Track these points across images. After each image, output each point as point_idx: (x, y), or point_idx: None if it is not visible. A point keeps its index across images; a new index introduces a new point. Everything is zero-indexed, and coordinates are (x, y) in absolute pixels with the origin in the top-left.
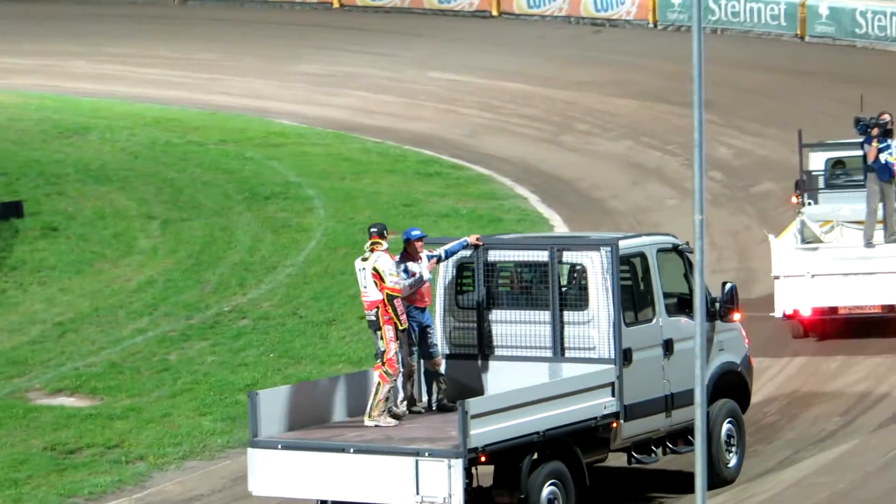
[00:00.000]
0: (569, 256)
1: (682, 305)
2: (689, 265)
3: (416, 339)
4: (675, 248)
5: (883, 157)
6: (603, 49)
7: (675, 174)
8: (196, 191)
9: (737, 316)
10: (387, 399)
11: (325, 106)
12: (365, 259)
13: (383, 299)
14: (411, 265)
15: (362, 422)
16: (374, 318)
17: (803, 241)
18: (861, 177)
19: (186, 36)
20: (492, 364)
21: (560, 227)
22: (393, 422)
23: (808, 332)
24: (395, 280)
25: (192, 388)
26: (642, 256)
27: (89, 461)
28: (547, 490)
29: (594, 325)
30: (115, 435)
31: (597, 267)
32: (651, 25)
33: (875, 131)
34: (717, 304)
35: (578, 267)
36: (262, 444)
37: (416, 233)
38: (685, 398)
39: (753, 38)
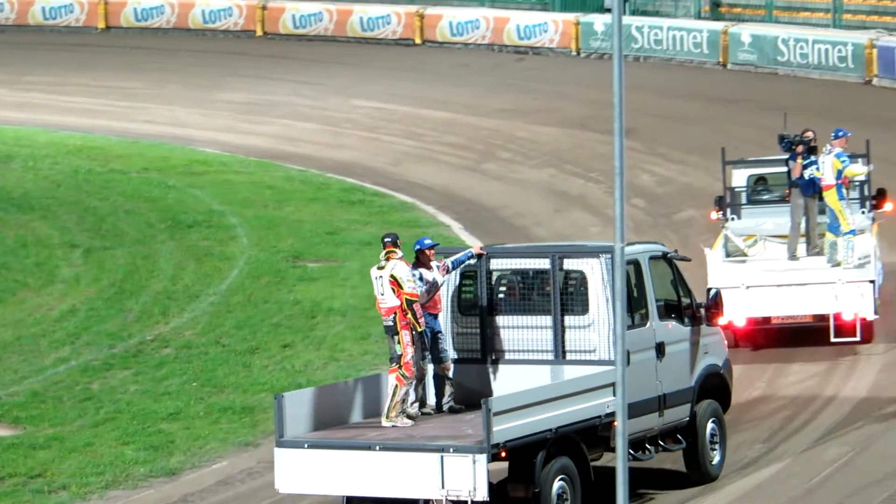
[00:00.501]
0: (569, 264)
1: (669, 310)
2: (676, 272)
3: (428, 343)
4: (664, 256)
5: (807, 172)
6: (526, 77)
7: (598, 201)
8: (118, 219)
9: (721, 320)
10: (403, 401)
11: (248, 134)
12: (381, 268)
13: (401, 305)
14: (425, 272)
15: (379, 423)
16: (391, 323)
17: (727, 255)
18: (782, 192)
19: (109, 64)
20: (495, 367)
21: None
22: (409, 422)
23: (740, 343)
24: (413, 286)
25: (115, 417)
26: (636, 264)
27: (11, 491)
28: (557, 485)
29: (594, 329)
30: (38, 464)
31: (596, 273)
32: (574, 53)
33: (800, 148)
34: (703, 310)
35: (578, 274)
36: (288, 444)
37: (428, 241)
38: (676, 398)
39: (676, 66)
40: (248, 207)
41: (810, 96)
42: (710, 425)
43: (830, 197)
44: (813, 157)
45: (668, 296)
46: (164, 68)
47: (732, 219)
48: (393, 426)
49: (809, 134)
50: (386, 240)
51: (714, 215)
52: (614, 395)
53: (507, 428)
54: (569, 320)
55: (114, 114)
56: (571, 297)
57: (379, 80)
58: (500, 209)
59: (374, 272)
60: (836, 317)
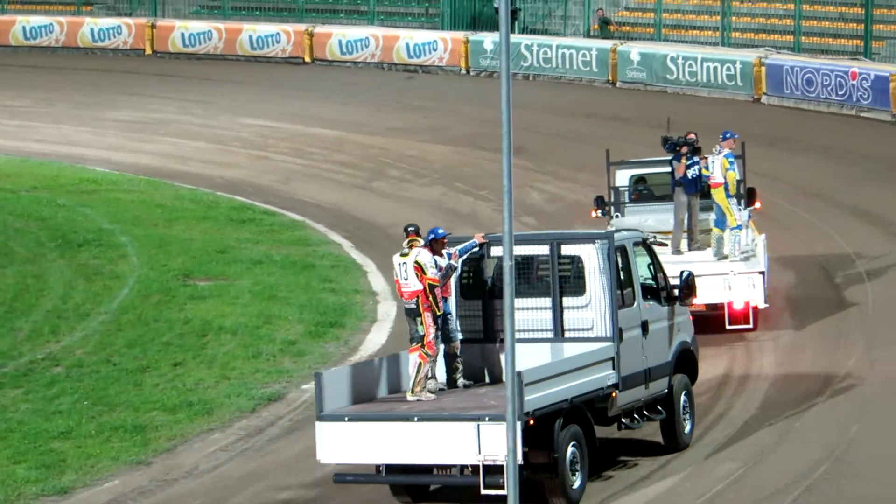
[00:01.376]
0: (567, 249)
1: (649, 292)
2: (653, 256)
3: (439, 324)
4: (644, 242)
5: (690, 172)
6: (416, 95)
7: (489, 219)
8: (8, 238)
9: (695, 300)
10: (427, 377)
11: (137, 153)
12: (405, 255)
13: (424, 289)
14: (439, 259)
15: (404, 397)
16: (413, 305)
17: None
18: (661, 191)
19: None
20: (498, 346)
21: (374, 274)
22: (432, 396)
23: None
24: (434, 272)
25: (6, 437)
26: (622, 249)
27: None
28: (570, 451)
29: (591, 309)
30: None
31: (592, 257)
32: (463, 72)
33: (685, 149)
34: (676, 291)
35: (575, 258)
36: (328, 418)
37: (441, 231)
38: (658, 372)
39: (565, 84)
40: (138, 226)
41: (699, 114)
42: (682, 397)
43: (718, 195)
44: (696, 158)
45: (647, 278)
46: (54, 87)
47: (617, 216)
48: (418, 400)
49: (692, 136)
50: (409, 229)
51: (594, 213)
52: (613, 368)
53: (535, 398)
54: (567, 301)
55: (2, 132)
56: (569, 279)
57: (268, 99)
58: (390, 227)
59: (396, 259)
60: (729, 306)
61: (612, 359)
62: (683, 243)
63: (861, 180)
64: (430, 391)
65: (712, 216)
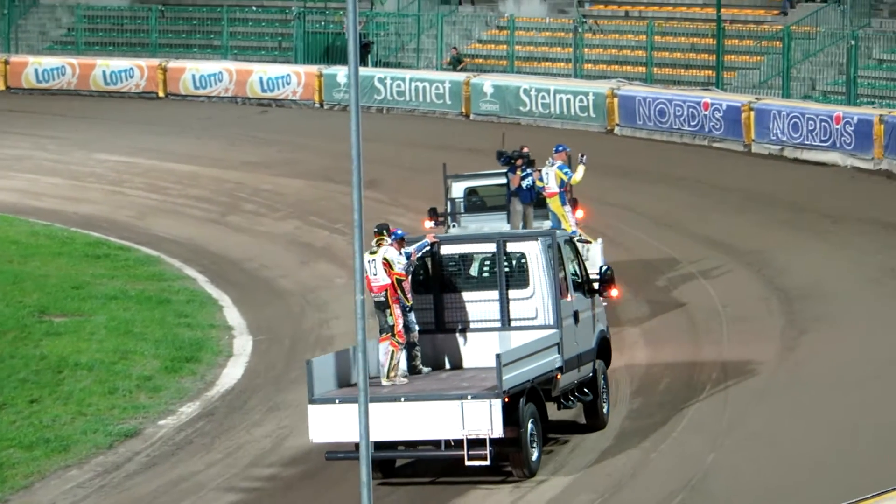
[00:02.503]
0: (512, 246)
1: (576, 285)
2: (577, 253)
3: None
4: (570, 240)
5: (525, 182)
6: (270, 129)
7: (343, 253)
8: None
9: (614, 292)
10: (399, 363)
11: None
12: (373, 252)
13: (392, 283)
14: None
15: (378, 382)
16: (383, 298)
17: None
18: (492, 202)
19: None
20: (448, 336)
21: (230, 308)
22: (405, 380)
23: None
24: (401, 267)
25: None
26: (558, 246)
27: None
28: (530, 427)
29: (535, 299)
30: None
31: (535, 253)
32: (317, 105)
33: (520, 162)
34: (597, 284)
35: (520, 254)
36: (319, 401)
37: (400, 232)
38: (586, 357)
39: (419, 117)
40: None
41: (553, 145)
42: (602, 381)
43: (554, 203)
44: (529, 170)
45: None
46: None
47: (454, 226)
48: (392, 384)
49: (526, 149)
50: (375, 230)
51: (427, 224)
52: (558, 352)
53: (509, 377)
54: (512, 293)
55: None
56: (514, 273)
57: (123, 134)
58: (245, 261)
59: (366, 256)
60: None
61: (557, 344)
62: None
63: (714, 210)
64: (402, 376)
65: (548, 223)
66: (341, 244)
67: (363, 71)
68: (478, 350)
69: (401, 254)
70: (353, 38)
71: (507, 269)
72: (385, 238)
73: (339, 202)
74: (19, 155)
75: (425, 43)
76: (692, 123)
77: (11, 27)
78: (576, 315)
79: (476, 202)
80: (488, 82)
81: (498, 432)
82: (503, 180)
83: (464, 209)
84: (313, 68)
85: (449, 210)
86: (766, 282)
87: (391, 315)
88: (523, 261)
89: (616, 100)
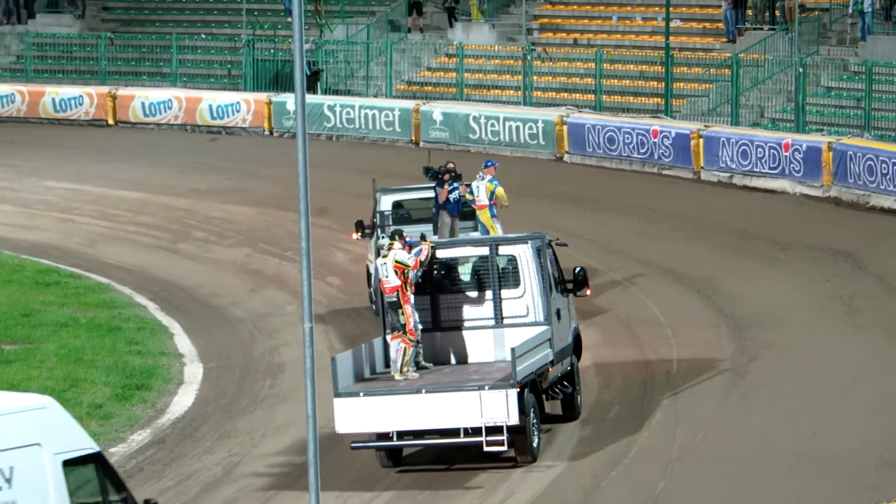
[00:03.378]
0: (503, 250)
1: (554, 285)
2: (555, 255)
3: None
4: (550, 243)
5: (452, 196)
6: (220, 157)
7: (293, 280)
8: None
9: (588, 292)
10: (412, 359)
11: None
12: (384, 256)
13: (402, 284)
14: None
15: (392, 377)
16: (394, 299)
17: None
18: (418, 214)
19: None
20: (445, 334)
21: (180, 336)
22: (416, 375)
23: None
24: (414, 261)
25: None
26: (545, 248)
27: None
28: (532, 415)
29: (526, 298)
30: None
31: (526, 255)
32: (267, 133)
33: (447, 176)
34: (572, 284)
35: (511, 257)
36: (345, 394)
37: (409, 239)
38: (565, 352)
39: (369, 145)
40: None
41: (503, 173)
42: (576, 375)
43: (484, 215)
44: (456, 184)
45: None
46: None
47: (383, 237)
48: (405, 378)
49: (452, 164)
50: (388, 235)
51: (354, 236)
52: (550, 347)
53: (521, 369)
54: (505, 293)
55: None
56: (506, 275)
57: (72, 162)
58: (195, 289)
59: (378, 260)
60: None
61: (549, 339)
62: None
63: (663, 237)
64: (413, 371)
65: (476, 234)
66: (291, 271)
67: (312, 98)
68: (474, 346)
69: (410, 254)
70: (299, 65)
71: (499, 271)
72: (395, 243)
73: (289, 229)
74: None
75: (374, 70)
76: (641, 151)
77: None
78: (558, 312)
79: (403, 214)
80: (438, 110)
81: (514, 419)
82: (428, 194)
83: (391, 221)
84: (263, 96)
85: (378, 222)
86: (715, 309)
87: (403, 314)
88: (514, 262)
89: (565, 127)
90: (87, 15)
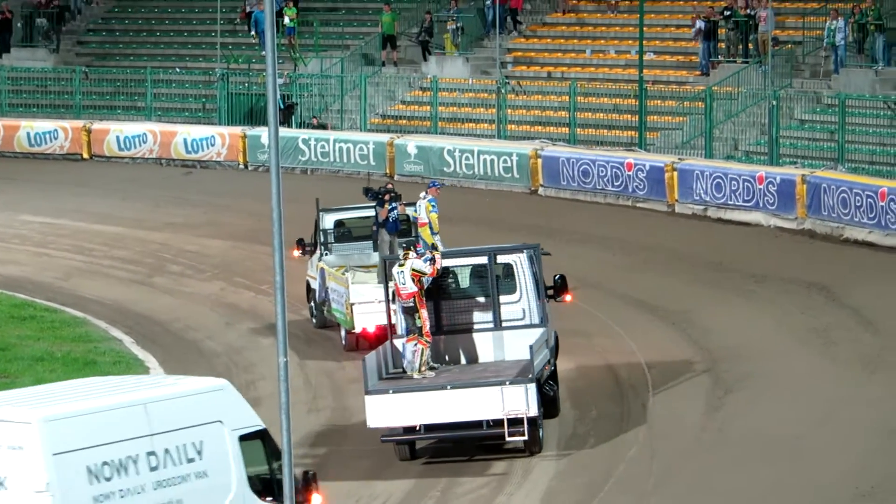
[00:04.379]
0: (501, 258)
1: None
2: (540, 264)
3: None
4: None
5: (392, 215)
6: (194, 190)
7: (269, 314)
8: None
9: (568, 297)
10: (428, 359)
11: None
12: (401, 265)
13: (418, 291)
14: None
15: (409, 376)
16: (411, 304)
17: (322, 283)
18: (358, 232)
19: None
20: (448, 337)
21: (156, 370)
22: (432, 374)
23: (358, 344)
24: (430, 268)
25: None
26: (532, 257)
27: None
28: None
29: (522, 302)
30: None
31: (522, 263)
32: (241, 166)
33: (387, 197)
34: (552, 291)
35: (508, 265)
36: (375, 392)
37: (421, 249)
38: (552, 352)
39: (343, 178)
40: None
41: (478, 206)
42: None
43: (424, 232)
44: (395, 204)
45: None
46: None
47: (326, 254)
48: (423, 377)
49: (391, 185)
50: (403, 244)
51: (296, 253)
52: (548, 346)
53: (535, 365)
54: (503, 298)
55: None
56: (503, 281)
57: (47, 196)
58: (171, 323)
59: (395, 269)
60: None
61: (547, 340)
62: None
63: (638, 270)
64: (428, 370)
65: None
66: (266, 305)
67: (287, 132)
68: (475, 348)
69: (424, 261)
70: (272, 98)
71: (497, 278)
72: (410, 252)
73: (264, 263)
74: None
75: (349, 104)
76: (616, 184)
77: None
78: (546, 316)
79: (343, 232)
80: (412, 143)
81: (534, 412)
82: (368, 213)
83: (333, 239)
84: (237, 129)
85: (322, 240)
86: (691, 341)
87: (419, 318)
88: (510, 270)
89: (540, 160)
90: (61, 49)
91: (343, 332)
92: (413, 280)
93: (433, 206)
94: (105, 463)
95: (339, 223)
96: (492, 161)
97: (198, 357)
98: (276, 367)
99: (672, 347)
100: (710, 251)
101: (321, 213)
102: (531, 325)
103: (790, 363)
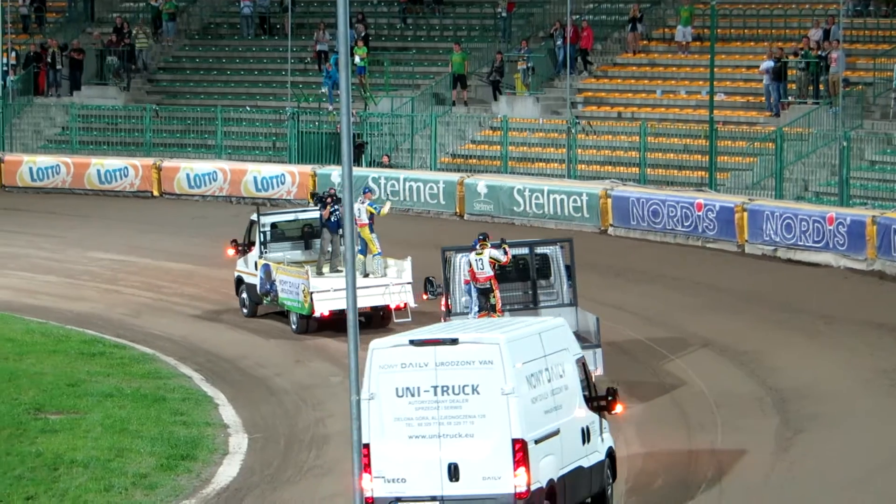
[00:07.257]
0: (539, 249)
1: None
2: (573, 255)
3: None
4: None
5: (333, 216)
6: None
7: (337, 351)
8: None
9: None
10: None
11: None
12: (479, 254)
13: (494, 274)
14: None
15: None
16: (488, 286)
17: (266, 277)
18: (292, 233)
19: None
20: (499, 314)
21: (225, 406)
22: None
23: (308, 326)
24: (504, 257)
25: None
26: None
27: None
28: None
29: (556, 285)
30: None
31: (557, 253)
32: (311, 205)
33: (329, 199)
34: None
35: (545, 255)
36: None
37: (480, 237)
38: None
39: (413, 217)
40: None
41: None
42: None
43: (365, 232)
44: (336, 206)
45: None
46: None
47: (264, 251)
48: None
49: (333, 190)
50: (480, 237)
51: (230, 251)
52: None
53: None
54: (540, 283)
55: None
56: (541, 268)
57: (117, 233)
58: (239, 359)
59: (472, 256)
60: (389, 308)
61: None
62: (326, 267)
63: (707, 310)
64: None
65: (357, 248)
66: (335, 343)
67: (357, 171)
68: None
69: (499, 251)
70: (346, 137)
71: (536, 266)
72: (486, 243)
73: None
74: (14, 253)
75: (419, 143)
76: (686, 224)
77: (6, 126)
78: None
79: (278, 233)
80: (482, 182)
81: (600, 371)
82: (302, 216)
83: (269, 238)
84: (307, 168)
85: (261, 240)
86: (759, 381)
87: (494, 297)
88: (547, 259)
89: (610, 200)
90: (132, 87)
91: (294, 318)
92: (490, 266)
93: (375, 208)
94: (532, 374)
95: (273, 225)
96: (562, 200)
97: (267, 394)
98: (346, 404)
99: (740, 386)
100: (780, 292)
101: (259, 217)
102: (563, 305)
103: (858, 404)
